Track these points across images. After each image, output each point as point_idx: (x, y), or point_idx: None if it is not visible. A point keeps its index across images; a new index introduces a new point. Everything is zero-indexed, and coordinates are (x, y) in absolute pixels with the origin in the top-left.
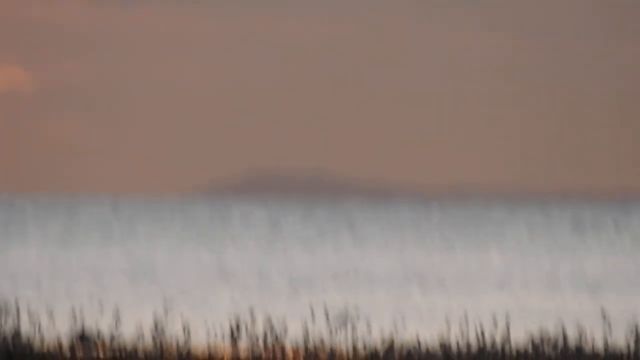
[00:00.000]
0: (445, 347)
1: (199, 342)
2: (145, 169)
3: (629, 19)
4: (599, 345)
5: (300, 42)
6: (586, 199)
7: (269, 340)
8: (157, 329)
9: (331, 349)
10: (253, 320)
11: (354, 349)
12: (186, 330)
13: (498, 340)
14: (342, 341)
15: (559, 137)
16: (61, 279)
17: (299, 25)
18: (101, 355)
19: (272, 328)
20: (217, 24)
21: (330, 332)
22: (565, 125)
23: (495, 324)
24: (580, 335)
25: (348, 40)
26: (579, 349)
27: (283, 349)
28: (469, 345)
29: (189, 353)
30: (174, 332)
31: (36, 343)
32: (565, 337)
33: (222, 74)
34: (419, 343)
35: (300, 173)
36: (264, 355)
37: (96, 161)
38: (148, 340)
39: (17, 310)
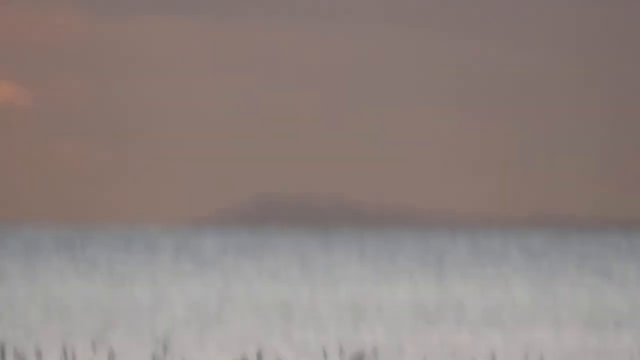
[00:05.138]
0: None
1: None
2: (146, 196)
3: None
4: None
5: (314, 61)
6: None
7: None
8: None
9: None
10: None
11: None
12: None
13: None
14: None
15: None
16: (50, 316)
17: (317, 43)
18: None
19: None
20: (228, 39)
21: None
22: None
23: None
24: None
25: (369, 61)
26: None
27: None
28: None
29: None
30: None
31: None
32: None
33: (230, 92)
34: None
35: (314, 200)
36: None
37: (96, 185)
38: None
39: (2, 351)
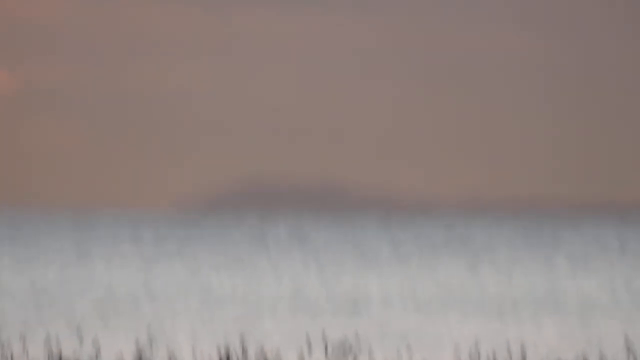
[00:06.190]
0: None
1: None
2: (127, 179)
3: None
4: None
5: (302, 42)
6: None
7: None
8: (141, 359)
9: None
10: (244, 350)
11: None
12: None
13: None
14: None
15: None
16: (35, 303)
17: (303, 24)
18: None
19: (264, 359)
20: (212, 20)
21: None
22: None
23: (510, 353)
24: None
25: (356, 43)
26: None
27: None
28: None
29: None
30: None
31: None
32: None
33: (216, 74)
34: None
35: (300, 182)
36: None
37: (77, 170)
38: None
39: None
